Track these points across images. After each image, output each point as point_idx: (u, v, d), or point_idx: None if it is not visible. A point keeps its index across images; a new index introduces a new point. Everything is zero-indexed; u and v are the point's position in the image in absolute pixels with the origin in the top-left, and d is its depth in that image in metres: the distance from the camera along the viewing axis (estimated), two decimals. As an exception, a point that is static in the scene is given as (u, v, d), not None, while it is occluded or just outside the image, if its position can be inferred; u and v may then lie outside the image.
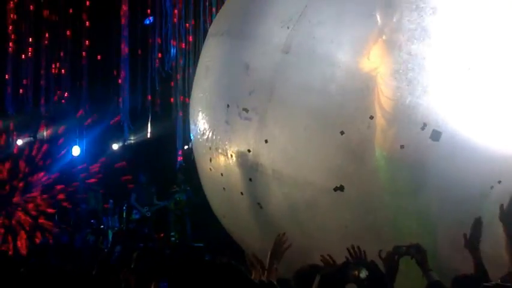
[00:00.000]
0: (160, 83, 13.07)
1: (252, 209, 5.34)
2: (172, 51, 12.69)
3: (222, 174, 5.48)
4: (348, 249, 4.32)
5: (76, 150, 14.04)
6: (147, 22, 13.40)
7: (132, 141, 14.43)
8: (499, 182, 4.65)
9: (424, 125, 4.55)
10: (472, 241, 4.35)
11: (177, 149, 12.63)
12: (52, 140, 14.11)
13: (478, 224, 4.38)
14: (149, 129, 13.96)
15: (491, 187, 4.66)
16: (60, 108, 14.15)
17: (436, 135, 4.56)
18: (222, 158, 5.40)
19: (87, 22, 13.57)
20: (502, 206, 4.19)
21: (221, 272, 3.48)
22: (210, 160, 5.56)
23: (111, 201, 12.54)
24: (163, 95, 13.27)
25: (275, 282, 4.11)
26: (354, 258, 4.30)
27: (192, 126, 5.96)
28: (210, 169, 5.62)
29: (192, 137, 6.17)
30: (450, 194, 4.73)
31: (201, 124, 5.62)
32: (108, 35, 13.54)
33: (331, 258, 4.35)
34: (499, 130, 4.65)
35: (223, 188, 5.55)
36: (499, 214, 4.26)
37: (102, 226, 11.76)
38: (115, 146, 14.57)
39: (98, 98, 14.02)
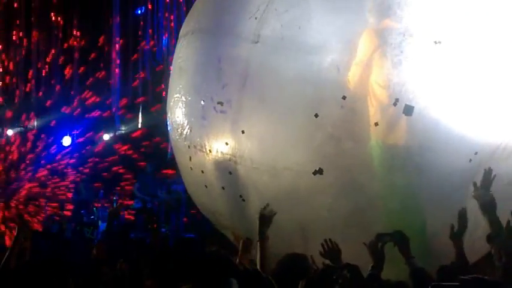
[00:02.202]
0: (152, 73, 13.05)
1: (235, 203, 5.34)
2: (164, 41, 12.70)
3: (202, 172, 5.48)
4: (322, 244, 4.34)
5: (67, 141, 14.01)
6: (139, 12, 13.43)
7: (123, 132, 14.32)
8: (476, 153, 4.70)
9: (396, 101, 4.60)
10: (457, 232, 4.37)
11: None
12: (43, 130, 14.05)
13: (462, 215, 4.42)
14: (140, 120, 13.90)
15: (470, 160, 4.70)
16: (51, 99, 14.10)
17: (408, 109, 4.60)
18: (201, 155, 5.40)
19: (77, 12, 13.55)
20: (475, 183, 4.23)
21: (209, 261, 3.52)
22: (190, 159, 5.56)
23: (101, 191, 12.46)
24: (155, 86, 13.21)
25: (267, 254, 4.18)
26: (328, 252, 4.32)
27: (169, 128, 5.97)
28: (191, 168, 5.62)
29: (171, 139, 6.17)
30: (429, 171, 4.78)
31: (178, 124, 5.63)
32: (99, 24, 13.54)
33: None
34: (471, 104, 4.71)
35: (205, 185, 5.55)
36: (473, 191, 4.29)
37: (92, 217, 11.66)
38: (106, 137, 14.50)
39: (89, 89, 13.98)
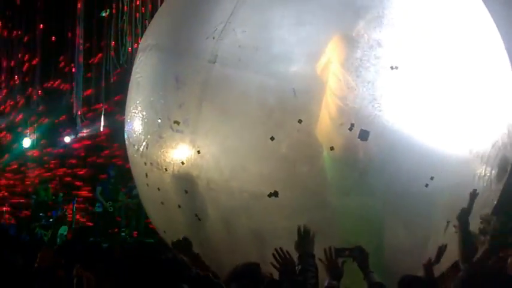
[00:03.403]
0: (115, 75, 12.93)
1: (190, 222, 5.31)
2: (128, 43, 12.59)
3: (158, 189, 5.44)
4: (273, 254, 4.33)
5: (27, 142, 13.82)
6: (103, 14, 13.30)
7: (85, 134, 14.20)
8: (432, 178, 4.76)
9: (352, 126, 4.62)
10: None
11: None
12: (3, 131, 13.86)
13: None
14: (102, 123, 13.78)
15: (426, 185, 4.76)
16: (12, 99, 13.90)
17: (364, 134, 4.63)
18: (157, 173, 5.36)
19: (41, 12, 13.36)
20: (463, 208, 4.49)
21: (163, 266, 3.52)
22: (146, 175, 5.51)
23: (60, 194, 12.33)
24: (117, 88, 13.09)
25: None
26: (280, 262, 4.31)
27: (127, 143, 5.91)
28: (147, 184, 5.58)
29: (128, 154, 6.11)
30: (385, 192, 4.83)
31: (135, 140, 5.58)
32: (63, 26, 13.37)
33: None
34: (428, 126, 4.78)
35: (161, 203, 5.51)
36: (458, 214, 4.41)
37: (51, 219, 11.54)
38: (67, 139, 14.32)
39: (50, 90, 13.80)
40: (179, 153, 5.14)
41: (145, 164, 5.47)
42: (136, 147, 5.56)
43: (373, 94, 4.68)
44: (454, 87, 4.88)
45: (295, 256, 4.21)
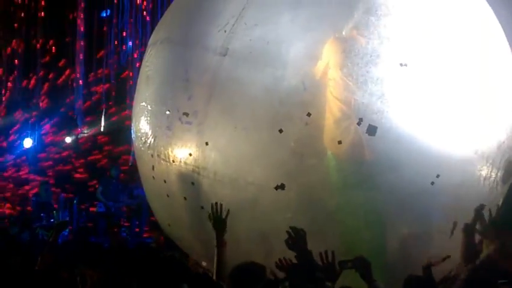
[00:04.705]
0: (116, 76, 12.95)
1: (196, 214, 5.32)
2: (129, 44, 12.63)
3: (165, 181, 5.46)
4: (276, 262, 4.36)
5: (28, 142, 13.80)
6: (104, 15, 13.34)
7: (86, 135, 14.19)
8: (438, 176, 4.77)
9: (360, 120, 4.65)
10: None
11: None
12: (3, 131, 13.84)
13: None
14: (103, 123, 13.78)
15: (432, 183, 4.77)
16: (12, 100, 13.91)
17: (371, 129, 4.66)
18: (164, 165, 5.38)
19: (42, 13, 13.38)
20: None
21: (163, 265, 3.53)
22: (153, 168, 5.54)
23: (62, 195, 12.32)
24: (118, 89, 13.12)
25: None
26: (282, 268, 4.34)
27: (133, 136, 5.94)
28: (153, 177, 5.60)
29: (134, 147, 6.14)
30: (390, 189, 4.83)
31: (143, 132, 5.61)
32: (63, 26, 13.39)
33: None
34: (434, 125, 4.79)
35: (167, 195, 5.52)
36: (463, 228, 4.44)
37: (52, 220, 11.53)
38: (68, 139, 14.32)
39: (51, 90, 13.82)
40: (187, 145, 5.17)
41: (152, 156, 5.50)
42: (143, 139, 5.59)
43: (382, 90, 4.71)
44: (460, 87, 4.89)
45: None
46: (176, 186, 5.37)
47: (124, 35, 12.80)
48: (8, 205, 12.92)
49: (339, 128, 4.78)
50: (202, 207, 5.22)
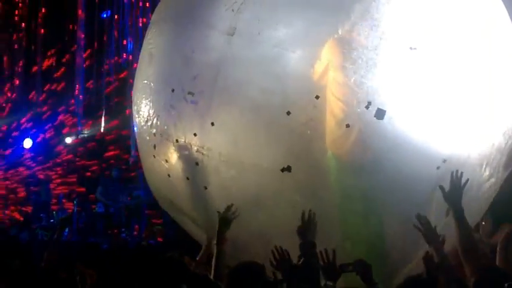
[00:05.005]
0: (117, 77, 12.88)
1: (198, 194, 5.29)
2: (129, 45, 12.56)
3: (166, 161, 5.40)
4: (272, 251, 4.35)
5: (28, 143, 13.72)
6: (104, 15, 13.24)
7: (86, 135, 14.15)
8: (444, 161, 4.77)
9: (369, 104, 4.63)
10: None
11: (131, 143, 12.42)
12: (4, 132, 13.72)
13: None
14: (103, 123, 13.74)
15: (438, 167, 4.77)
16: (13, 100, 13.78)
17: (380, 113, 4.64)
18: (167, 144, 5.32)
19: (43, 11, 13.22)
20: (441, 186, 4.43)
21: (162, 266, 3.52)
22: (154, 147, 5.47)
23: (61, 195, 12.28)
24: (118, 89, 13.06)
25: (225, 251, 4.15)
26: (278, 260, 4.34)
27: (134, 115, 5.85)
28: (154, 156, 5.54)
29: (135, 127, 6.06)
30: (395, 176, 4.83)
31: (145, 111, 5.53)
32: (64, 27, 13.27)
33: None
34: (442, 110, 4.78)
35: (168, 175, 5.47)
36: (443, 195, 4.42)
37: (52, 220, 11.49)
38: (68, 140, 14.25)
39: (51, 91, 13.72)
40: (192, 124, 5.11)
41: (154, 135, 5.43)
42: (145, 117, 5.51)
43: (390, 73, 4.69)
44: (461, 84, 4.86)
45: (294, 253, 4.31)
46: (179, 166, 5.32)
47: (125, 36, 12.74)
48: (12, 207, 12.91)
49: (341, 128, 4.75)
50: (205, 188, 5.19)
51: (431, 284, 4.15)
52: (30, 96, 13.86)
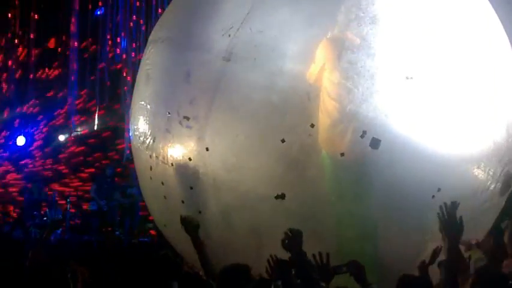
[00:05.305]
0: (110, 74, 12.89)
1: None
2: (123, 43, 12.55)
3: (162, 183, 5.40)
4: (268, 260, 4.33)
5: (21, 140, 13.75)
6: (98, 13, 13.24)
7: (79, 133, 14.17)
8: (439, 189, 4.76)
9: (364, 133, 4.62)
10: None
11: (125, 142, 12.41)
12: None
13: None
14: (96, 121, 13.75)
15: (433, 196, 4.75)
16: (6, 98, 13.82)
17: (375, 143, 4.63)
18: (162, 167, 5.32)
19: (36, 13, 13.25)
20: (439, 214, 4.31)
21: (154, 263, 3.53)
22: (151, 168, 5.48)
23: (54, 193, 12.30)
24: (112, 87, 13.06)
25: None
26: (273, 268, 4.33)
27: (131, 134, 5.87)
28: (151, 178, 5.54)
29: (132, 145, 6.06)
30: (391, 203, 4.82)
31: (141, 132, 5.54)
32: (57, 25, 13.28)
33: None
34: (437, 138, 4.77)
35: (164, 197, 5.48)
36: (439, 224, 4.38)
37: (45, 218, 11.52)
38: (61, 138, 14.28)
39: (45, 88, 13.74)
40: (187, 149, 5.11)
41: (150, 157, 5.44)
42: (142, 139, 5.52)
43: (385, 103, 4.68)
44: (460, 100, 4.86)
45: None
46: (174, 189, 5.33)
47: (119, 33, 12.72)
48: (11, 208, 12.97)
49: (336, 129, 4.74)
50: (200, 212, 5.19)
51: (426, 284, 4.17)
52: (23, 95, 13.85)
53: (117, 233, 11.48)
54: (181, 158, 5.15)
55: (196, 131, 5.02)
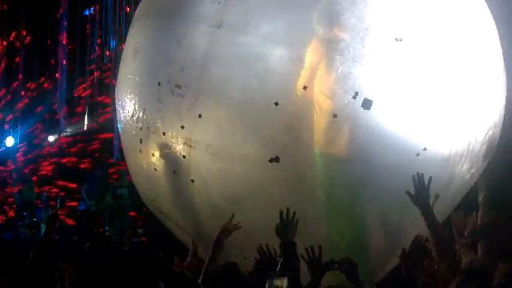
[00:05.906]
0: (99, 74, 12.83)
1: (185, 188, 5.29)
2: (112, 43, 12.50)
3: (153, 155, 5.39)
4: (258, 250, 4.40)
5: (10, 141, 13.57)
6: (87, 13, 13.17)
7: (69, 133, 14.05)
8: (425, 149, 4.86)
9: (356, 94, 4.69)
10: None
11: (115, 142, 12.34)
12: None
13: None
14: (86, 122, 13.65)
15: (417, 154, 4.85)
16: None
17: (367, 103, 4.71)
18: (153, 138, 5.30)
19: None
20: (408, 192, 4.50)
21: (139, 262, 3.51)
22: (141, 141, 5.45)
23: (44, 194, 12.16)
24: (102, 87, 13.00)
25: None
26: (265, 259, 4.36)
27: (119, 111, 5.82)
28: (140, 151, 5.52)
29: (119, 124, 6.02)
30: (380, 163, 4.90)
31: (130, 106, 5.50)
32: (46, 24, 13.17)
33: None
34: (424, 103, 4.87)
35: (155, 169, 5.46)
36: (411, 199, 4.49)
37: (35, 219, 11.37)
38: (51, 138, 14.13)
39: (34, 88, 13.59)
40: (179, 117, 5.10)
41: (140, 129, 5.41)
42: (131, 112, 5.49)
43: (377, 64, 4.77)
44: (447, 64, 4.97)
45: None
46: (166, 160, 5.31)
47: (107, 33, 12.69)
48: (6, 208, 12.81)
49: (328, 120, 4.80)
50: (192, 181, 5.19)
51: (410, 283, 4.24)
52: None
53: (107, 233, 11.42)
54: (173, 127, 5.14)
55: (189, 98, 5.02)
